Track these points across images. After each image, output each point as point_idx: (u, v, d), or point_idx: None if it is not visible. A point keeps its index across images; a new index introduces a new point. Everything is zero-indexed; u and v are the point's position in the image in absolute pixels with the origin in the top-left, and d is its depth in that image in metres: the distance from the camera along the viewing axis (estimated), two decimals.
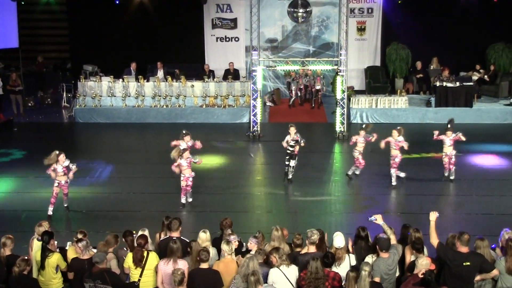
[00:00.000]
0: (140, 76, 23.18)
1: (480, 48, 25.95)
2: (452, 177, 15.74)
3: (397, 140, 15.12)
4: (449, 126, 15.72)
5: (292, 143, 15.53)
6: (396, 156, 15.26)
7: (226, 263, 9.00)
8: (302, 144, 15.70)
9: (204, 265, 8.76)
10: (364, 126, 16.19)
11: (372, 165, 16.49)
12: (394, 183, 15.42)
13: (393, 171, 15.35)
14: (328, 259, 8.81)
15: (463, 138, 15.50)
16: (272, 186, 15.93)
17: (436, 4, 25.94)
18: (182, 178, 14.26)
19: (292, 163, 15.78)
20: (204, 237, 9.59)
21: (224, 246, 9.05)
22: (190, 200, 14.57)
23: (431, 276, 8.26)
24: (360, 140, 15.60)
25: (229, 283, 8.68)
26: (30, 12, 29.20)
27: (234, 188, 15.62)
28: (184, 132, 15.05)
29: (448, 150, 15.58)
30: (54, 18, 29.56)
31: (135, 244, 9.52)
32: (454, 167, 15.71)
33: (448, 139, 15.52)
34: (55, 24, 29.66)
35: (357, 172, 16.07)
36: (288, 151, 15.64)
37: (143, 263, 9.11)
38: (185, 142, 14.88)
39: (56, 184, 13.71)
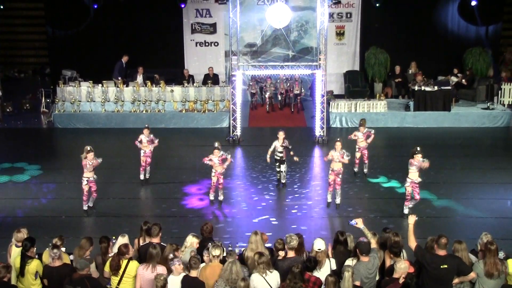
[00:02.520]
0: (119, 81, 23.09)
1: (457, 52, 26.20)
2: (406, 211, 13.85)
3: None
4: (418, 149, 13.84)
5: (280, 149, 15.54)
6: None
7: (213, 267, 9.02)
8: (290, 147, 15.69)
9: (193, 273, 8.79)
10: (361, 121, 16.50)
11: (351, 169, 16.61)
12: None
13: None
14: (310, 263, 8.85)
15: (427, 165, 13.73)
16: (253, 190, 15.93)
17: (414, 8, 26.15)
18: (213, 174, 14.62)
19: (283, 168, 15.85)
20: (189, 242, 9.61)
21: (212, 251, 9.08)
22: (221, 198, 14.89)
23: (412, 279, 8.33)
24: (359, 135, 16.07)
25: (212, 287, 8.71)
26: (8, 17, 29.03)
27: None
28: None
29: (415, 176, 13.72)
30: (32, 23, 29.39)
31: (110, 251, 9.56)
32: (418, 197, 13.87)
33: (415, 164, 13.64)
34: (33, 29, 29.49)
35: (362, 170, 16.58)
36: (277, 157, 15.68)
37: (121, 270, 9.07)
38: (144, 136, 16.03)
39: (85, 183, 14.06)
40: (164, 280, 8.38)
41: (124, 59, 24.11)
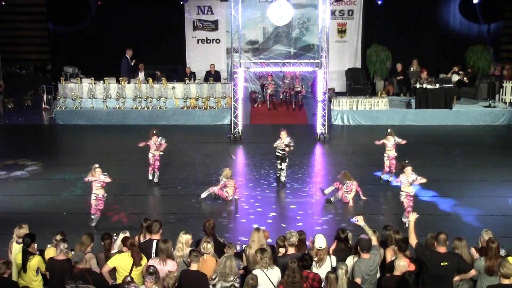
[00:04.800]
0: (120, 78, 23.10)
1: (459, 50, 26.20)
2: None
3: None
4: (406, 162, 13.23)
5: (283, 146, 15.43)
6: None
7: (206, 261, 9.11)
8: (292, 148, 15.59)
9: (194, 266, 8.84)
10: (389, 131, 15.78)
11: (354, 166, 16.59)
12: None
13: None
14: (306, 261, 8.86)
15: (423, 180, 13.04)
16: (254, 187, 15.92)
17: (416, 6, 26.14)
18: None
19: (284, 165, 15.72)
20: (185, 239, 9.62)
21: (205, 245, 9.16)
22: (236, 197, 15.13)
23: (410, 277, 8.34)
24: (388, 144, 15.55)
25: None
26: (10, 14, 29.02)
27: None
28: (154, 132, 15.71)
29: (409, 189, 13.12)
30: (34, 19, 29.38)
31: (111, 248, 9.60)
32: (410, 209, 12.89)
33: (406, 179, 13.01)
34: (35, 26, 29.47)
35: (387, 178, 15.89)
36: (279, 154, 15.55)
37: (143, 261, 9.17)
38: (152, 142, 15.67)
39: (93, 197, 13.13)
40: (175, 278, 8.42)
41: (128, 53, 24.13)
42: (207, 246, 9.15)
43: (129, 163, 17.78)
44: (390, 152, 15.66)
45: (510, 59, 27.03)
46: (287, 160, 15.78)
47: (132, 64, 24.21)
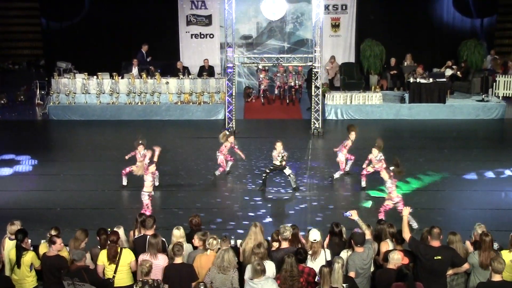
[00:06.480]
0: (114, 73, 23.04)
1: (453, 44, 26.24)
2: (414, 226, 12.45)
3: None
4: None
5: (279, 158, 14.87)
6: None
7: (209, 256, 9.12)
8: (285, 159, 14.99)
9: (178, 260, 8.88)
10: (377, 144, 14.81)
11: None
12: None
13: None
14: (301, 255, 8.89)
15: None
16: (247, 182, 15.92)
17: (410, 0, 26.18)
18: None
19: (287, 171, 15.15)
20: (178, 234, 9.64)
21: (211, 241, 9.18)
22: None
23: (409, 269, 8.38)
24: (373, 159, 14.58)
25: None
26: (2, 9, 28.92)
27: (208, 185, 15.61)
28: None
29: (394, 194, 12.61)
30: (27, 15, 29.28)
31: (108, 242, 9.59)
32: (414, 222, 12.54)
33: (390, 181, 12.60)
34: (27, 21, 29.37)
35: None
36: (276, 165, 14.97)
37: (117, 259, 9.12)
38: (138, 150, 14.92)
39: (147, 196, 12.99)
40: (149, 267, 8.51)
41: (144, 48, 24.23)
42: (213, 243, 9.15)
43: (123, 158, 17.71)
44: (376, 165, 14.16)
45: (502, 53, 27.12)
46: (287, 167, 15.23)
47: (148, 60, 24.29)
